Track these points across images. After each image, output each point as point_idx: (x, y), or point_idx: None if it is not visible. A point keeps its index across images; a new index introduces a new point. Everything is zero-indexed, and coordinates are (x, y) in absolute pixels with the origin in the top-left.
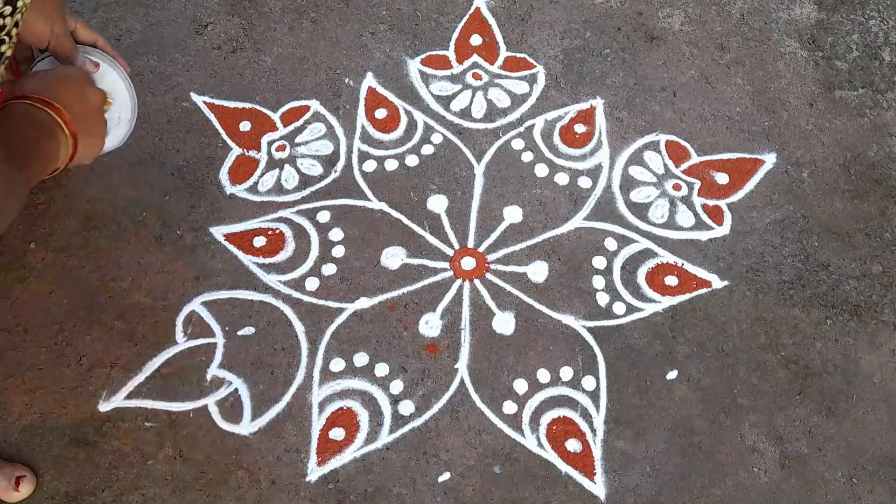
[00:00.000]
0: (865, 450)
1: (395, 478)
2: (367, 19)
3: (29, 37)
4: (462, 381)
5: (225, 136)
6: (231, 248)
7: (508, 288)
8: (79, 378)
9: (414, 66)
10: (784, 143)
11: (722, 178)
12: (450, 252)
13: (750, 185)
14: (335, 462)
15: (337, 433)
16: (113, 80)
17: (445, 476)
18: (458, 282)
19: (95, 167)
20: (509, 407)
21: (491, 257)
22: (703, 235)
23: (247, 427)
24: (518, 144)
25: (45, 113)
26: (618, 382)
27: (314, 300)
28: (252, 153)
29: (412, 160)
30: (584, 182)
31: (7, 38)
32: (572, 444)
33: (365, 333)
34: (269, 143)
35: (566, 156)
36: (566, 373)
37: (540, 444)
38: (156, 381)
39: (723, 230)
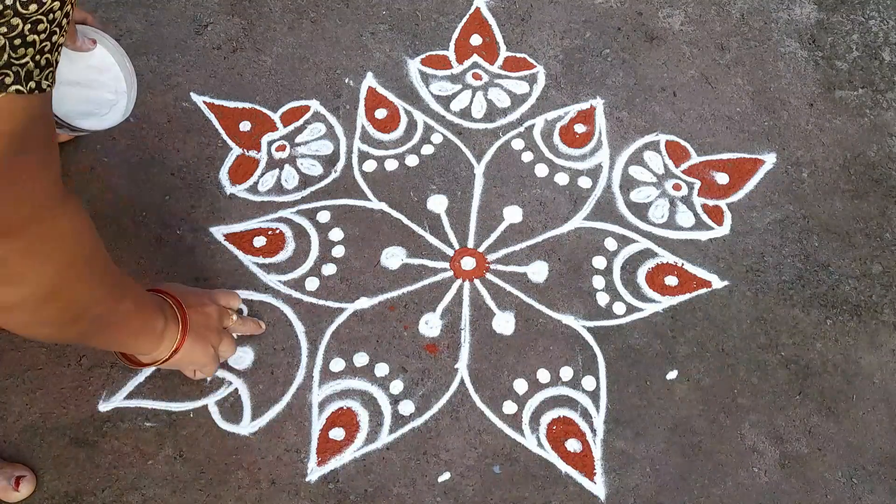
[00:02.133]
0: (865, 450)
1: (395, 478)
2: (367, 19)
3: None
4: (462, 381)
5: (225, 136)
6: (231, 248)
7: (508, 288)
8: (79, 378)
9: (414, 66)
10: (784, 143)
11: (722, 178)
12: (450, 252)
13: (750, 185)
14: (335, 462)
15: (337, 433)
16: (101, 54)
17: (445, 476)
18: (458, 282)
19: (95, 167)
20: (509, 407)
21: (491, 257)
22: (703, 235)
23: (247, 427)
24: (518, 144)
25: (170, 306)
26: (618, 382)
27: (314, 300)
28: (252, 153)
29: (412, 160)
30: (584, 182)
31: (58, 30)
32: (572, 444)
33: (365, 333)
34: (269, 143)
35: (566, 156)
36: (566, 373)
37: (540, 444)
38: (156, 381)
39: (723, 230)
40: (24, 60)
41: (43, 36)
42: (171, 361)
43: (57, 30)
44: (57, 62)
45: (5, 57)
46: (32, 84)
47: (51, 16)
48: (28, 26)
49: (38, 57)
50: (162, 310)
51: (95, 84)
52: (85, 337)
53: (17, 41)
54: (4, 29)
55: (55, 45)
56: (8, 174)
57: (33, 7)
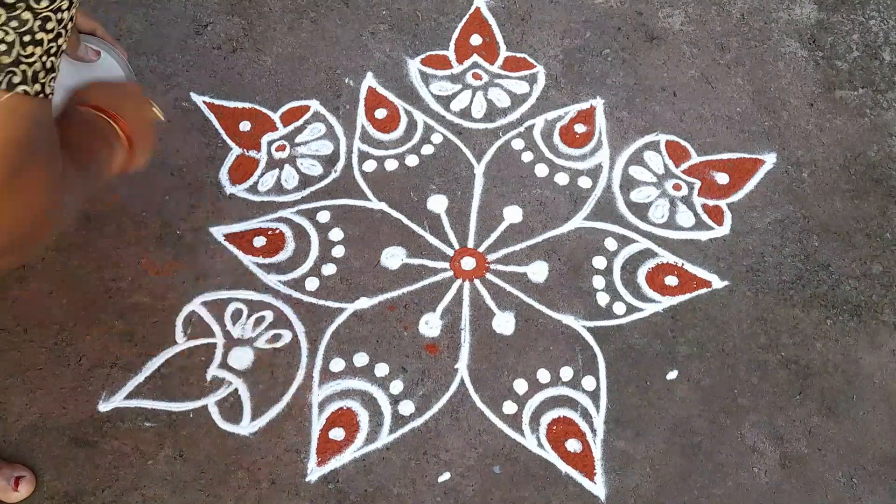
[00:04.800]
0: (865, 450)
1: (395, 478)
2: (367, 19)
3: None
4: (462, 382)
5: (225, 136)
6: (231, 248)
7: (508, 288)
8: (79, 378)
9: (414, 66)
10: (784, 143)
11: (722, 178)
12: (450, 252)
13: (750, 185)
14: (335, 462)
15: (337, 433)
16: (111, 66)
17: (445, 476)
18: (458, 282)
19: None
20: (509, 407)
21: (491, 257)
22: (703, 235)
23: (247, 427)
24: (518, 144)
25: (106, 122)
26: (618, 382)
27: (314, 300)
28: (252, 153)
29: (412, 160)
30: (584, 182)
31: (64, 31)
32: (572, 445)
33: (365, 333)
34: (269, 143)
35: (566, 156)
36: (566, 373)
37: (540, 445)
38: (156, 381)
39: (723, 230)
40: (32, 59)
41: (51, 36)
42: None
43: (63, 31)
44: (58, 69)
45: (14, 53)
46: (38, 87)
47: (59, 14)
48: (38, 23)
49: (44, 58)
50: (103, 138)
51: None
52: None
53: (27, 37)
54: (15, 23)
55: (59, 49)
56: (9, 184)
57: (45, 3)
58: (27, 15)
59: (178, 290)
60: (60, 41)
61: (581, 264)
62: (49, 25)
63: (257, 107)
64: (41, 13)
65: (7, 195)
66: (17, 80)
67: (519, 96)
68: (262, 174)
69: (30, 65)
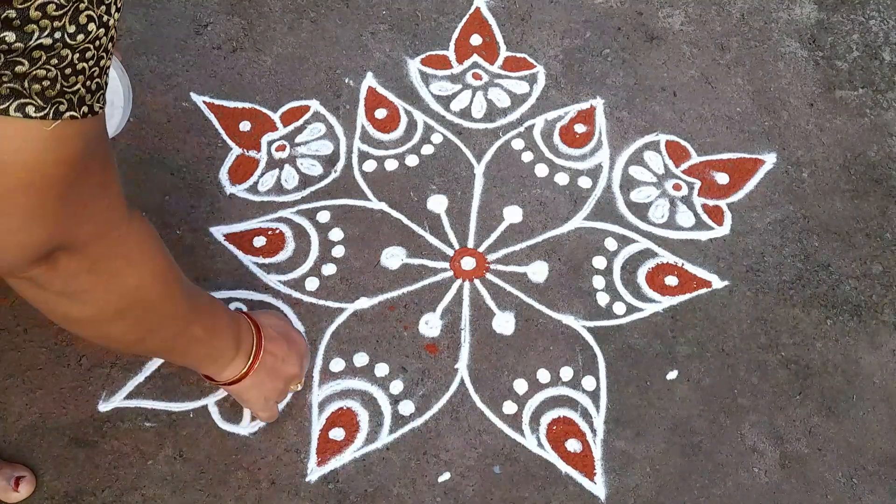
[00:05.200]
0: (866, 450)
1: (395, 478)
2: (367, 19)
3: None
4: (462, 381)
5: (225, 136)
6: (231, 248)
7: (508, 288)
8: (79, 378)
9: (414, 66)
10: (784, 143)
11: (722, 178)
12: (450, 252)
13: (750, 185)
14: (335, 462)
15: (337, 433)
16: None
17: (445, 476)
18: (458, 282)
19: None
20: (509, 407)
21: (491, 257)
22: (703, 235)
23: (247, 427)
24: (518, 144)
25: (249, 332)
26: (618, 382)
27: (314, 300)
28: (252, 153)
29: (412, 160)
30: (584, 182)
31: (105, 55)
32: (572, 445)
33: (365, 333)
34: (269, 143)
35: (566, 156)
36: (566, 373)
37: (540, 445)
38: (156, 381)
39: (723, 230)
40: (75, 88)
41: (91, 63)
42: (230, 389)
43: (104, 55)
44: (106, 84)
45: (58, 87)
46: (85, 108)
47: (97, 42)
48: (77, 55)
49: (88, 83)
50: (235, 342)
51: None
52: (154, 353)
53: (68, 70)
54: (55, 61)
55: (103, 69)
56: (68, 198)
57: (80, 37)
58: (66, 52)
59: None
60: (103, 62)
61: (581, 264)
62: (88, 55)
63: (257, 107)
64: (79, 47)
65: (65, 209)
66: (63, 108)
67: (519, 96)
68: (262, 174)
69: (74, 93)
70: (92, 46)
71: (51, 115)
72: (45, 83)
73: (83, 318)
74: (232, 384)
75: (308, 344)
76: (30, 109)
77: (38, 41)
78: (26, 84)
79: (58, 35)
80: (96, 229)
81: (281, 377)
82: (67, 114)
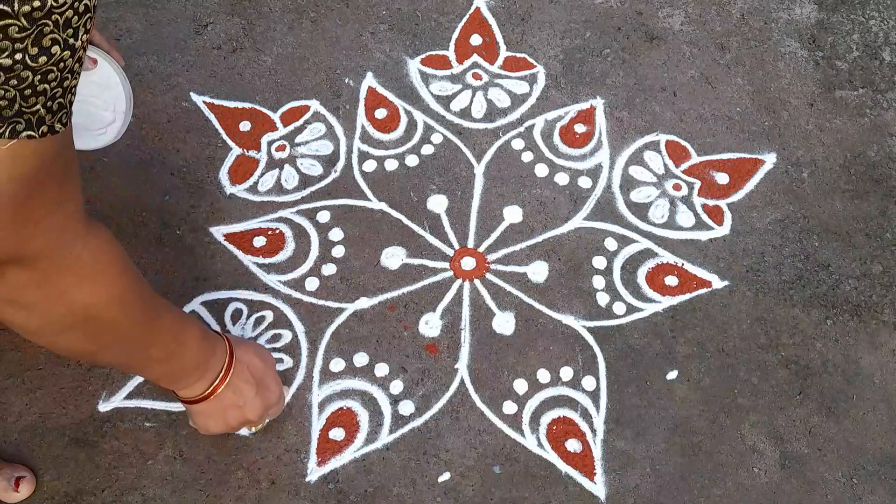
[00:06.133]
0: (866, 450)
1: (395, 478)
2: (367, 19)
3: None
4: (462, 381)
5: (225, 136)
6: (231, 248)
7: (508, 288)
8: (79, 378)
9: (414, 66)
10: (784, 143)
11: (722, 178)
12: (450, 252)
13: (750, 185)
14: (335, 462)
15: (337, 433)
16: (108, 74)
17: (445, 476)
18: (458, 282)
19: (95, 167)
20: (509, 407)
21: (491, 257)
22: (703, 235)
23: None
24: (518, 144)
25: (223, 356)
26: (618, 382)
27: (314, 300)
28: (252, 153)
29: (412, 160)
30: (584, 182)
31: (70, 76)
32: (572, 444)
33: (365, 333)
34: (269, 143)
35: (566, 156)
36: (566, 373)
37: (540, 445)
38: None
39: (723, 230)
40: (35, 108)
41: (54, 84)
42: (184, 405)
43: (69, 76)
44: (71, 103)
45: (16, 107)
46: (45, 128)
47: (61, 64)
48: (38, 77)
49: (49, 103)
50: (200, 369)
51: (95, 100)
52: (109, 365)
53: (28, 91)
54: (15, 81)
55: (67, 90)
56: (21, 213)
57: (42, 59)
58: (26, 73)
59: (177, 290)
60: (67, 83)
61: (581, 264)
62: (51, 76)
63: (257, 107)
64: (41, 69)
65: (16, 225)
66: (20, 127)
67: (519, 96)
68: (262, 174)
69: (33, 114)
70: (55, 68)
71: (7, 134)
72: (3, 103)
73: (30, 328)
74: (186, 402)
75: (283, 395)
76: None
77: None
78: None
79: (18, 56)
80: (48, 245)
81: (236, 418)
82: (24, 133)
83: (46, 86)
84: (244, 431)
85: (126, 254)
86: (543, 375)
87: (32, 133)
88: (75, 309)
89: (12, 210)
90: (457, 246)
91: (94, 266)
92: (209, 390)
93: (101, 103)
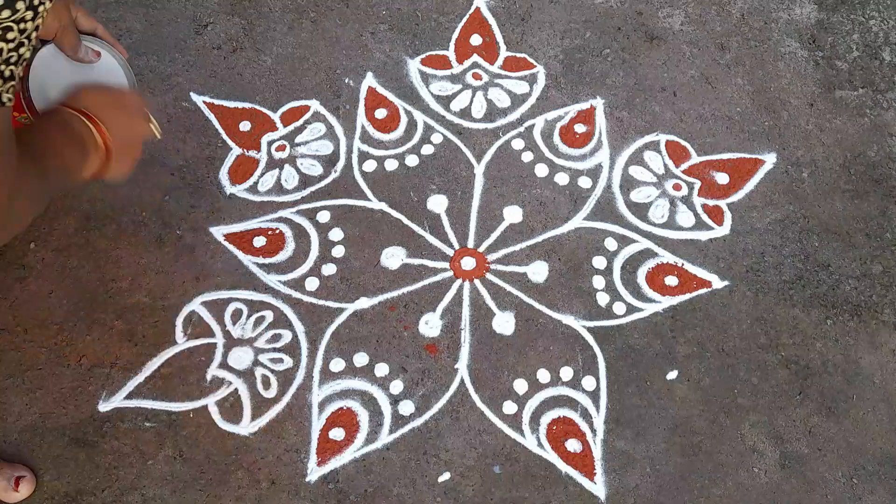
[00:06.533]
0: (865, 450)
1: (395, 478)
2: (367, 19)
3: None
4: (462, 381)
5: (225, 136)
6: (231, 248)
7: (508, 288)
8: (79, 378)
9: (414, 66)
10: (784, 143)
11: (722, 178)
12: (450, 252)
13: (750, 185)
14: (335, 462)
15: (337, 433)
16: (112, 66)
17: (445, 476)
18: (458, 282)
19: None
20: (509, 407)
21: (491, 257)
22: (703, 235)
23: (246, 427)
24: (518, 144)
25: (84, 126)
26: (618, 382)
27: (314, 300)
28: (252, 153)
29: (412, 160)
30: (584, 182)
31: (27, 41)
32: (572, 444)
33: (365, 333)
34: (269, 143)
35: (566, 156)
36: (566, 373)
37: (540, 445)
38: (156, 381)
39: (723, 230)
40: None
41: (11, 45)
42: (112, 173)
43: (25, 41)
44: (19, 77)
45: None
46: None
47: (22, 25)
48: None
49: (2, 67)
50: (82, 146)
51: None
52: (53, 191)
53: None
54: None
55: (20, 58)
56: None
57: (6, 13)
58: None
59: (178, 290)
60: (23, 50)
61: (581, 264)
62: (10, 35)
63: (257, 107)
64: (2, 23)
65: None
66: None
67: (519, 96)
68: (262, 174)
69: None
70: (16, 27)
71: None
72: None
73: None
74: (106, 172)
75: (136, 90)
76: None
77: None
78: None
79: None
80: None
81: (130, 136)
82: None
83: (3, 44)
84: (156, 134)
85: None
86: (543, 375)
87: None
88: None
89: None
90: (457, 246)
91: None
92: (103, 145)
93: None
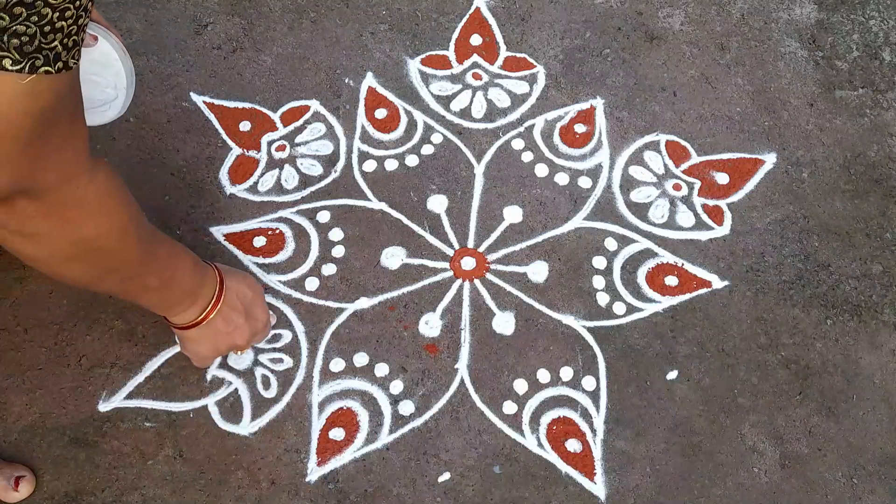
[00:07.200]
0: (866, 450)
1: (395, 478)
2: (367, 19)
3: None
4: (462, 381)
5: (225, 136)
6: (231, 248)
7: (508, 288)
8: (79, 378)
9: (414, 66)
10: (784, 143)
11: (722, 178)
12: (450, 252)
13: (750, 185)
14: (335, 462)
15: (337, 433)
16: (108, 50)
17: (445, 476)
18: (458, 282)
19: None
20: (509, 407)
21: (491, 257)
22: (704, 235)
23: (247, 427)
24: (518, 144)
25: (213, 281)
26: (618, 382)
27: (314, 300)
28: (252, 153)
29: (412, 160)
30: (584, 182)
31: (84, 13)
32: (572, 445)
33: (365, 333)
34: (269, 143)
35: (566, 156)
36: (566, 373)
37: (540, 445)
38: (156, 381)
39: (723, 230)
40: (53, 45)
41: (70, 21)
42: (175, 332)
43: (83, 14)
44: (83, 40)
45: (36, 43)
46: (60, 64)
47: (77, 2)
48: (57, 14)
49: (66, 40)
50: (191, 296)
51: (96, 78)
52: (109, 293)
53: (47, 28)
54: (35, 18)
55: (81, 27)
56: (33, 148)
57: None
58: (46, 10)
59: None
60: (81, 21)
61: (581, 264)
62: (68, 14)
63: (257, 107)
64: (59, 6)
65: (28, 158)
66: (39, 63)
67: (519, 96)
68: (262, 174)
69: (51, 50)
70: (72, 6)
71: (26, 69)
72: (24, 38)
73: (37, 257)
74: (179, 328)
75: (271, 321)
76: (7, 63)
77: None
78: (5, 39)
79: None
80: (56, 178)
81: (225, 342)
82: (43, 69)
83: (63, 23)
84: (232, 358)
85: (126, 187)
86: (543, 375)
87: (50, 69)
88: (80, 240)
89: (26, 144)
90: (457, 246)
91: (99, 200)
92: (201, 316)
93: (103, 80)
